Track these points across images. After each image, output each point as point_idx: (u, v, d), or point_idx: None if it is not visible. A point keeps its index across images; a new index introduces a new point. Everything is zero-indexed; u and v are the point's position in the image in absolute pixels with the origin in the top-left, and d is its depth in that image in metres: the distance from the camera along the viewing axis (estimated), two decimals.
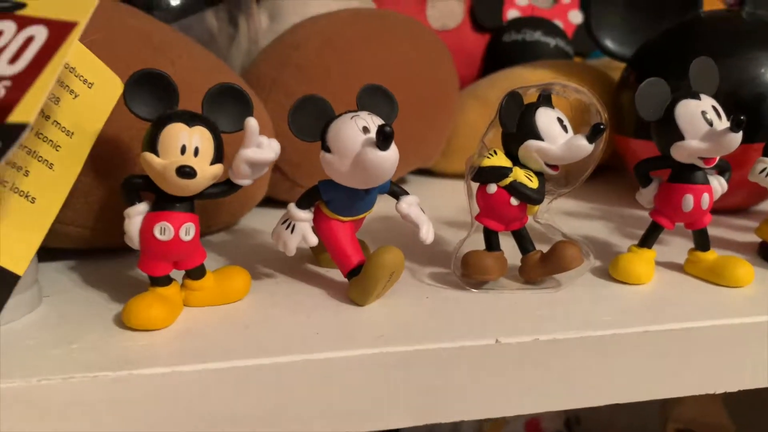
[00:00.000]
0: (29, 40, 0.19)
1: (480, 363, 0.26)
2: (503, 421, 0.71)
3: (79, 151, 0.28)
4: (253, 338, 0.26)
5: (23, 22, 0.21)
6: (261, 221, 0.41)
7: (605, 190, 0.49)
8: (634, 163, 0.47)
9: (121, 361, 0.24)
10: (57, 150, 0.27)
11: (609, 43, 0.45)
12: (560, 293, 0.30)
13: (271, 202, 0.43)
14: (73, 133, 0.27)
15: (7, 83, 0.18)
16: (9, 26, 0.21)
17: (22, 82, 0.18)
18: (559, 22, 0.58)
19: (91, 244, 0.33)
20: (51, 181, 0.27)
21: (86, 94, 0.28)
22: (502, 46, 0.57)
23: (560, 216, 0.42)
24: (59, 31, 0.21)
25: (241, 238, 0.38)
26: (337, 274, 0.32)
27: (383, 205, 0.32)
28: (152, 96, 0.26)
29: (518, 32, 0.57)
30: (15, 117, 0.18)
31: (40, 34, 0.21)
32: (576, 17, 0.59)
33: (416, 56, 0.44)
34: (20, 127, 0.17)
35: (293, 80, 0.40)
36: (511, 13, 0.59)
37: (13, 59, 0.19)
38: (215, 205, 0.36)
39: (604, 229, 0.40)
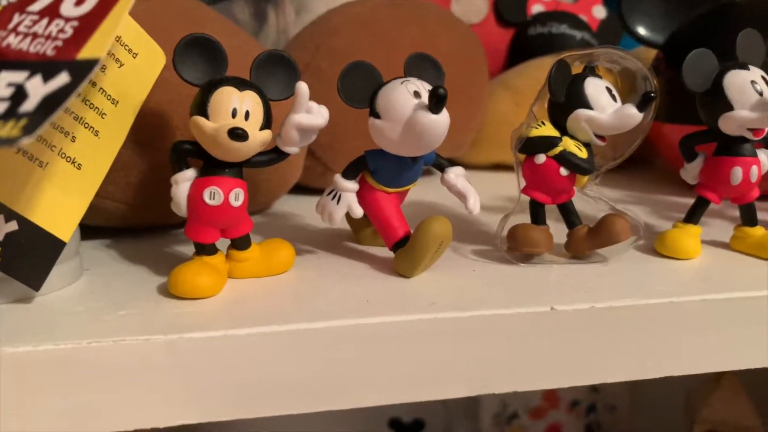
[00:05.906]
0: None
1: (535, 331, 0.25)
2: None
3: (123, 120, 0.27)
4: (305, 305, 0.25)
5: None
6: (294, 206, 0.41)
7: (634, 178, 0.49)
8: (665, 149, 0.46)
9: (172, 326, 0.23)
10: (102, 117, 0.27)
11: (641, 30, 0.44)
12: (609, 267, 0.30)
13: (302, 189, 0.43)
14: (117, 102, 0.27)
15: (75, 23, 0.18)
16: None
17: (89, 22, 0.18)
18: (583, 17, 0.58)
19: (128, 221, 0.33)
20: (96, 148, 0.26)
21: (131, 64, 0.28)
22: (527, 39, 0.57)
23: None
24: None
25: (278, 220, 0.38)
26: (379, 251, 0.32)
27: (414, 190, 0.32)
28: (201, 61, 0.26)
29: (544, 25, 0.57)
30: (85, 53, 0.17)
31: None
32: (600, 12, 0.59)
33: (449, 45, 0.44)
34: (91, 63, 0.17)
35: (326, 63, 0.40)
36: (536, 8, 0.59)
37: (79, 2, 0.19)
38: (251, 185, 0.35)
39: (640, 213, 0.39)
